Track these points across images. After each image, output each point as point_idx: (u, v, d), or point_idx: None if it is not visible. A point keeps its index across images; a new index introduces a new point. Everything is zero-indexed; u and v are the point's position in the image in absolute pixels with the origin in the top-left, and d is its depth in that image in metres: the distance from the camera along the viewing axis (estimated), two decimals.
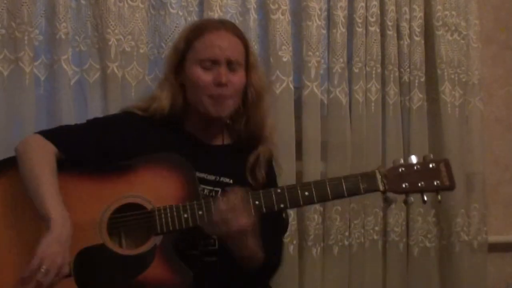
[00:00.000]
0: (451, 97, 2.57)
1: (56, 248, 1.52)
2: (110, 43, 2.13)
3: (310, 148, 2.38)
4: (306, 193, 1.65)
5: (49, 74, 2.12)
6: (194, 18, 2.25)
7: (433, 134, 2.58)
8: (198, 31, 1.81)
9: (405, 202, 1.66)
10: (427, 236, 2.56)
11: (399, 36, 2.52)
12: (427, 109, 2.58)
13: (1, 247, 1.62)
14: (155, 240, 1.62)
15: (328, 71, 2.44)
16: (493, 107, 2.81)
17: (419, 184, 1.65)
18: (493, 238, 2.71)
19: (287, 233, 2.19)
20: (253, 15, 2.32)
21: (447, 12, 2.57)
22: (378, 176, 1.65)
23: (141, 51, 2.19)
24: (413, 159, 1.67)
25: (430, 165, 1.66)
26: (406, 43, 2.52)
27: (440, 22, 2.55)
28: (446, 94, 2.56)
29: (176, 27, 2.23)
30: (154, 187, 1.66)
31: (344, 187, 1.65)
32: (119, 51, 2.15)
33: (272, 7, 2.32)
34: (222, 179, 1.77)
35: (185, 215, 1.62)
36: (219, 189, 1.76)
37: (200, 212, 1.62)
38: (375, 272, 2.50)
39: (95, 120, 1.85)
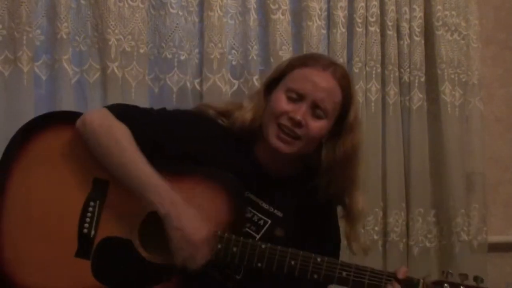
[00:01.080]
0: (451, 97, 2.57)
1: (185, 243, 1.52)
2: (110, 43, 2.13)
3: None
4: (344, 274, 1.59)
5: (50, 74, 2.12)
6: (194, 18, 2.25)
7: (433, 134, 2.58)
8: (304, 60, 1.70)
9: None
10: (427, 236, 2.55)
11: (399, 36, 2.52)
12: (427, 109, 2.57)
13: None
14: None
15: None
16: (493, 107, 2.81)
17: None
18: (493, 238, 2.71)
19: None
20: (253, 15, 2.31)
21: (447, 12, 2.57)
22: (421, 286, 1.64)
23: (141, 51, 2.19)
24: (470, 279, 1.67)
25: None
26: (406, 43, 2.52)
27: (440, 22, 2.55)
28: (446, 94, 2.56)
29: (176, 27, 2.23)
30: (200, 203, 1.59)
31: (383, 285, 1.60)
32: (119, 51, 2.14)
33: (272, 7, 2.32)
34: (275, 211, 1.72)
35: (219, 246, 1.57)
36: (269, 221, 1.70)
37: (235, 249, 1.57)
38: None
39: (173, 115, 1.75)
